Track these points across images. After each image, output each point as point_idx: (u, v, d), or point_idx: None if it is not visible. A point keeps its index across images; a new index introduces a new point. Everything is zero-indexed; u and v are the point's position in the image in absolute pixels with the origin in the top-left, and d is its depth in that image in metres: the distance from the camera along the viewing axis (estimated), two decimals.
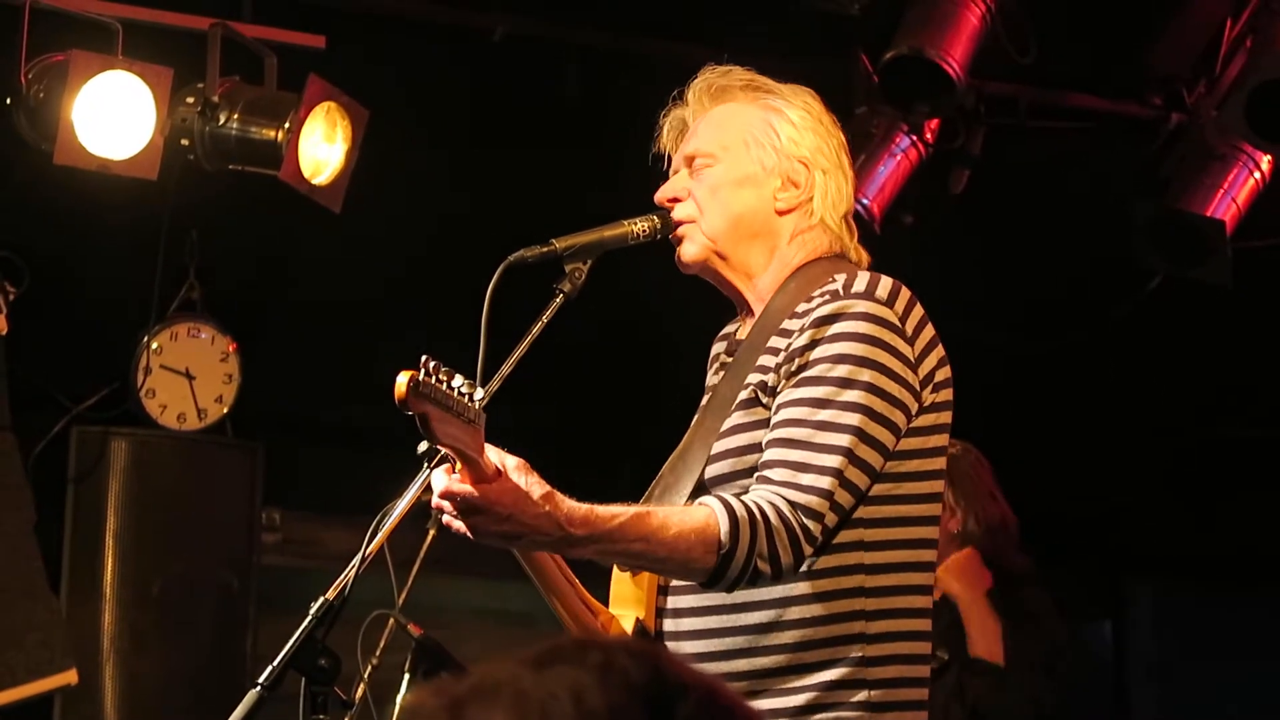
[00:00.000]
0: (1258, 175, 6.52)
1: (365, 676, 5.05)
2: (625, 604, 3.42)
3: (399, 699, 5.07)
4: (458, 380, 2.91)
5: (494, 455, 3.01)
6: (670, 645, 3.33)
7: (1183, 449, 8.00)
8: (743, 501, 3.14)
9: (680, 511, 3.15)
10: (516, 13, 6.36)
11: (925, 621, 3.30)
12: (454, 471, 2.99)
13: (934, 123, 6.57)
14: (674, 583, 3.36)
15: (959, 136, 6.63)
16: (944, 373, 3.31)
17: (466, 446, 2.93)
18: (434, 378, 2.86)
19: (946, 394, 3.32)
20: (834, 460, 3.16)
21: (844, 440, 3.17)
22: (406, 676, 5.09)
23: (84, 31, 5.68)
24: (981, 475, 5.50)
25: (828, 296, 3.27)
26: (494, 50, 6.35)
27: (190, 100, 5.74)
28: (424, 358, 2.85)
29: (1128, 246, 6.70)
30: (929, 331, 3.29)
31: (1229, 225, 6.48)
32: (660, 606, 3.38)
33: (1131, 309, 7.02)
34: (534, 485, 3.02)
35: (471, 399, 2.93)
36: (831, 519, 3.16)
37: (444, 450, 2.95)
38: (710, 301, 3.62)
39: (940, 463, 3.32)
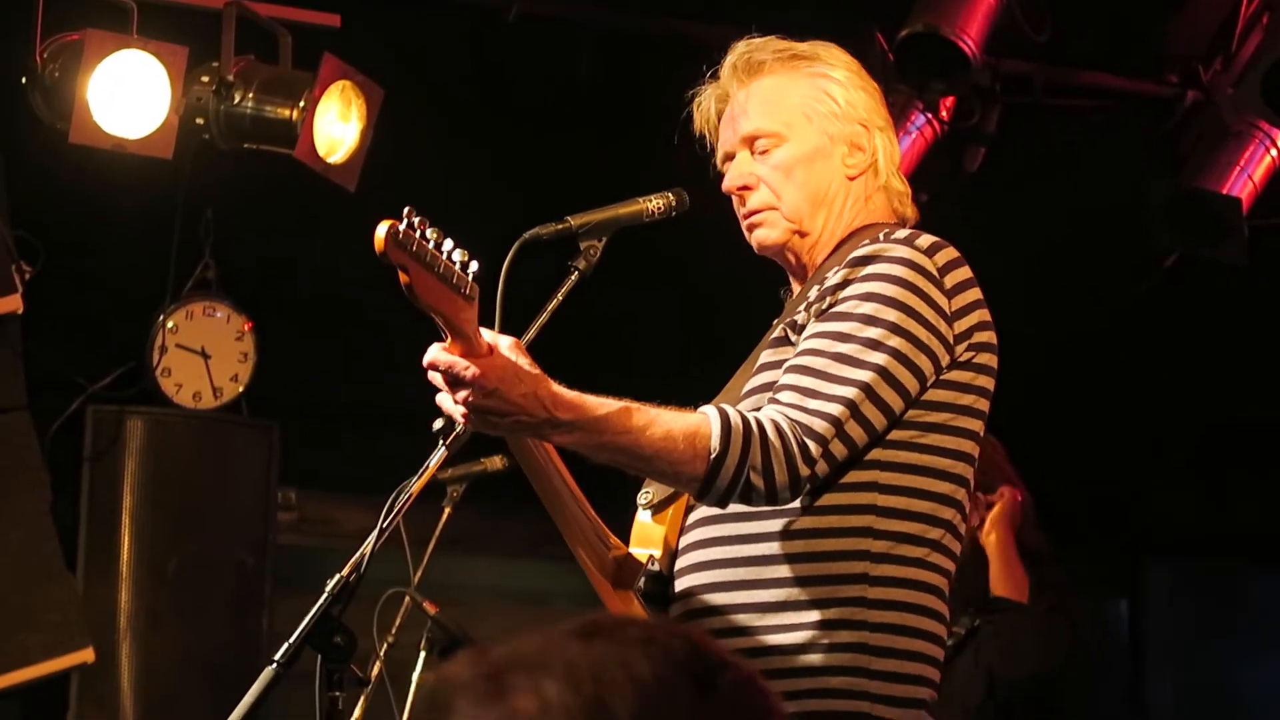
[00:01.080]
0: (1274, 153, 6.51)
1: (381, 654, 5.06)
2: (644, 543, 3.38)
3: (415, 676, 5.09)
4: (449, 244, 2.84)
5: (486, 335, 2.95)
6: (679, 582, 3.30)
7: (1201, 429, 7.99)
8: (740, 413, 3.08)
9: (674, 414, 3.07)
10: None
11: (939, 578, 3.23)
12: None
13: (949, 101, 6.56)
14: (689, 520, 3.32)
15: (974, 115, 6.62)
16: (985, 335, 3.24)
17: (454, 315, 2.86)
18: (418, 232, 2.78)
19: (987, 358, 3.25)
20: (848, 391, 3.10)
21: (861, 375, 3.11)
22: (422, 654, 5.11)
23: (99, 10, 5.69)
24: (996, 459, 5.49)
25: (867, 242, 3.25)
26: (508, 30, 6.35)
27: (205, 79, 5.74)
28: (408, 209, 2.79)
29: (1144, 225, 6.68)
30: (973, 293, 3.24)
31: (1245, 203, 6.46)
32: (675, 546, 3.35)
33: (1148, 288, 7.01)
34: (525, 364, 2.96)
35: (465, 269, 2.86)
36: (838, 448, 3.09)
37: (429, 313, 2.85)
38: (751, 281, 3.61)
39: (976, 425, 3.25)
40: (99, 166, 5.73)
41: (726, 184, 3.41)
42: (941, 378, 3.20)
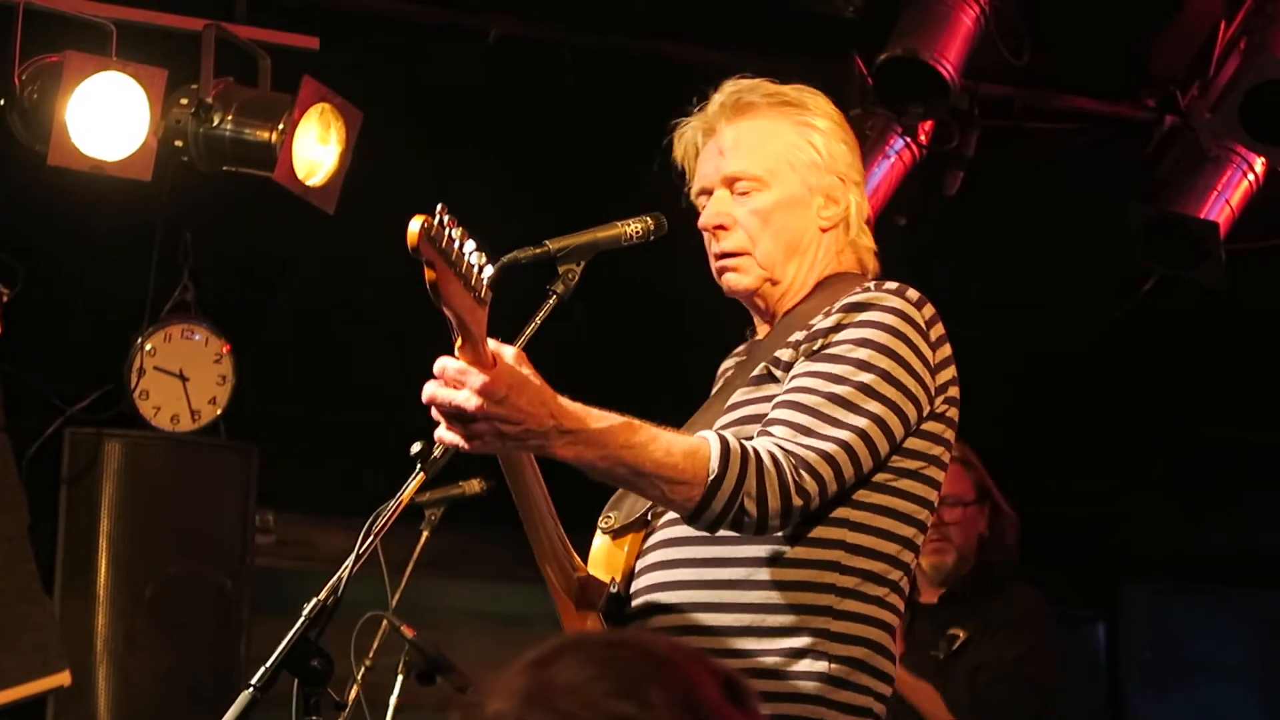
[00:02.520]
0: (1251, 177, 6.52)
1: (359, 678, 5.04)
2: (603, 567, 3.40)
3: (392, 700, 5.07)
4: (470, 245, 2.81)
5: (490, 344, 2.92)
6: (635, 601, 3.32)
7: (1178, 451, 8.00)
8: (739, 440, 3.10)
9: (673, 434, 3.09)
10: (511, 13, 6.36)
11: (894, 618, 3.29)
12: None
13: (928, 124, 6.57)
14: (650, 542, 3.35)
15: (953, 138, 6.63)
16: (955, 390, 3.32)
17: (469, 317, 2.83)
18: (447, 231, 2.75)
19: (954, 413, 3.33)
20: (843, 433, 3.14)
21: (856, 420, 3.16)
22: (400, 678, 5.09)
23: (78, 32, 5.68)
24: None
25: (858, 290, 3.29)
26: (489, 51, 6.35)
27: (184, 101, 5.74)
28: (440, 205, 2.75)
29: (1122, 248, 6.70)
30: (947, 349, 3.31)
31: (1223, 227, 6.48)
32: (635, 568, 3.36)
33: (1126, 311, 7.02)
34: (529, 375, 2.95)
35: (481, 272, 2.83)
36: (830, 485, 3.13)
37: (445, 311, 2.82)
38: (720, 309, 3.62)
39: (940, 475, 3.32)
40: (77, 189, 5.72)
41: (703, 220, 3.44)
42: (920, 427, 3.27)
